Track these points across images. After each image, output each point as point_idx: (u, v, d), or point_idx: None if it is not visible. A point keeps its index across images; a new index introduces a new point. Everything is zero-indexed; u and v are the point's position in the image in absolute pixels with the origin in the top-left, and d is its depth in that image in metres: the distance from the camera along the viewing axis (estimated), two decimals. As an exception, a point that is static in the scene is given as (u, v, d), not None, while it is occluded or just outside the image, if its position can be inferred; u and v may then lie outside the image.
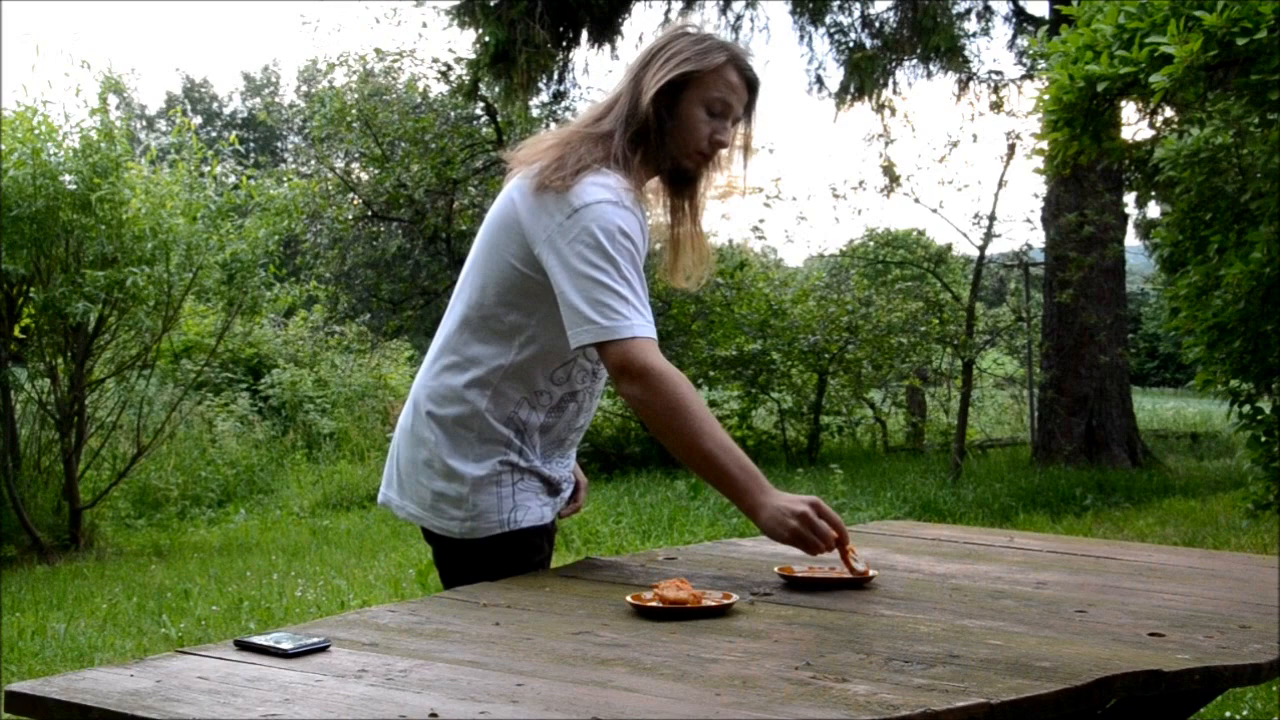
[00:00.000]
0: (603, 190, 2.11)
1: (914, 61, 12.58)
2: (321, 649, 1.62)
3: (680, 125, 2.24)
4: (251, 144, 35.54)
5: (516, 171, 2.24)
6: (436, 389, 2.24)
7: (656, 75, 2.22)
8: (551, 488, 2.30)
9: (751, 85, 2.29)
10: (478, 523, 2.20)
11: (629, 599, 1.86)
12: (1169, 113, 6.96)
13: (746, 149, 2.36)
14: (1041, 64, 5.19)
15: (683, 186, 2.33)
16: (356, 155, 12.96)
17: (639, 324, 2.07)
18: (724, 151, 2.31)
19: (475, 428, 2.20)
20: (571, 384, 2.24)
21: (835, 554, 2.09)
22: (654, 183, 2.34)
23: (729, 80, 2.25)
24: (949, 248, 13.96)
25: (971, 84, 12.58)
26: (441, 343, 2.27)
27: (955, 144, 11.49)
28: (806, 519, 2.06)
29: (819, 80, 13.07)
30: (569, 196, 2.10)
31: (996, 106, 12.15)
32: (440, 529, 2.23)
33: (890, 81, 12.71)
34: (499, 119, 12.28)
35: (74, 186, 7.93)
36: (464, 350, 2.22)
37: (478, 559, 2.21)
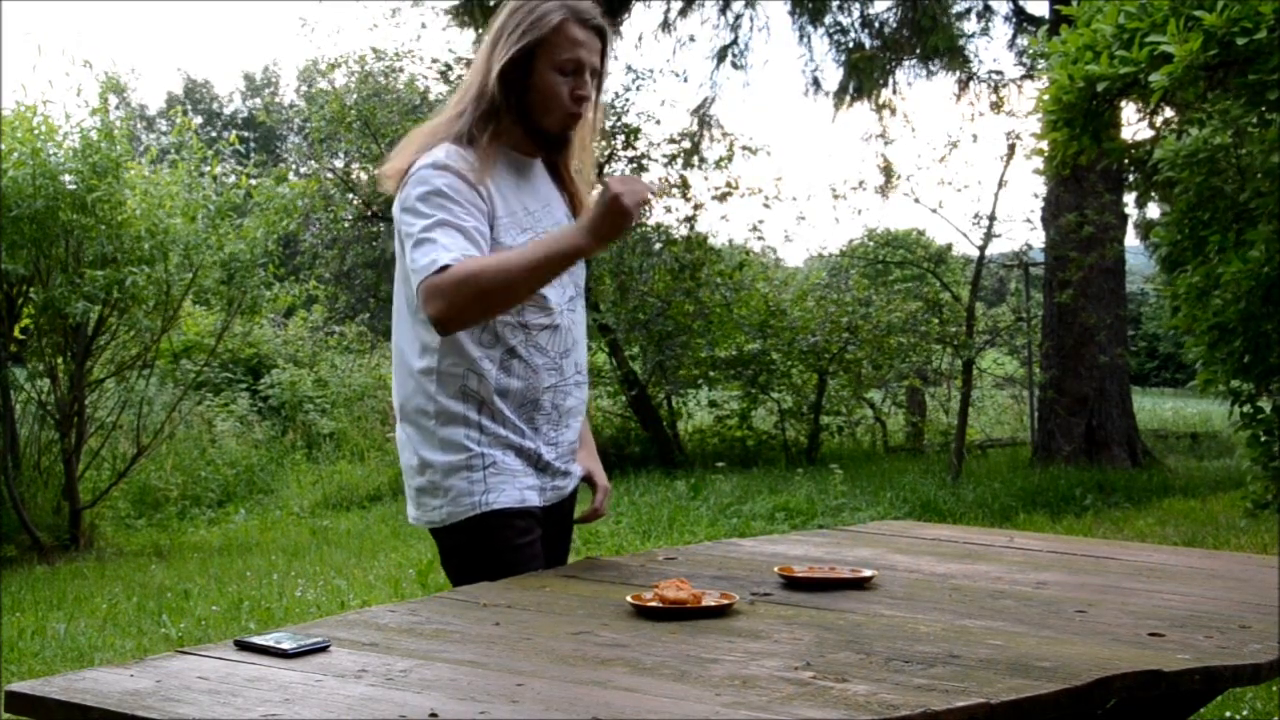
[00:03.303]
0: (426, 157, 2.23)
1: (914, 61, 12.59)
2: (321, 649, 1.62)
3: (539, 93, 2.27)
4: (252, 144, 35.53)
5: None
6: (398, 391, 2.34)
7: (499, 54, 2.27)
8: (537, 463, 2.31)
9: (600, 32, 2.31)
10: (453, 508, 2.25)
11: (629, 599, 1.86)
12: (1169, 113, 6.97)
13: (598, 92, 2.35)
14: (1041, 64, 5.20)
15: (557, 148, 2.37)
16: (356, 155, 12.94)
17: (439, 259, 2.11)
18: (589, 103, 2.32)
19: (433, 413, 2.27)
20: (504, 341, 2.27)
21: (835, 554, 2.09)
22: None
23: (573, 37, 2.27)
24: (949, 248, 13.93)
25: (971, 84, 12.59)
26: (393, 349, 2.37)
27: (955, 144, 11.47)
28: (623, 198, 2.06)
29: (815, 81, 13.09)
30: (405, 177, 2.24)
31: (996, 106, 12.15)
32: (427, 522, 2.30)
33: (890, 81, 12.72)
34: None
35: (74, 186, 7.92)
36: (407, 348, 2.31)
37: (460, 544, 2.27)
